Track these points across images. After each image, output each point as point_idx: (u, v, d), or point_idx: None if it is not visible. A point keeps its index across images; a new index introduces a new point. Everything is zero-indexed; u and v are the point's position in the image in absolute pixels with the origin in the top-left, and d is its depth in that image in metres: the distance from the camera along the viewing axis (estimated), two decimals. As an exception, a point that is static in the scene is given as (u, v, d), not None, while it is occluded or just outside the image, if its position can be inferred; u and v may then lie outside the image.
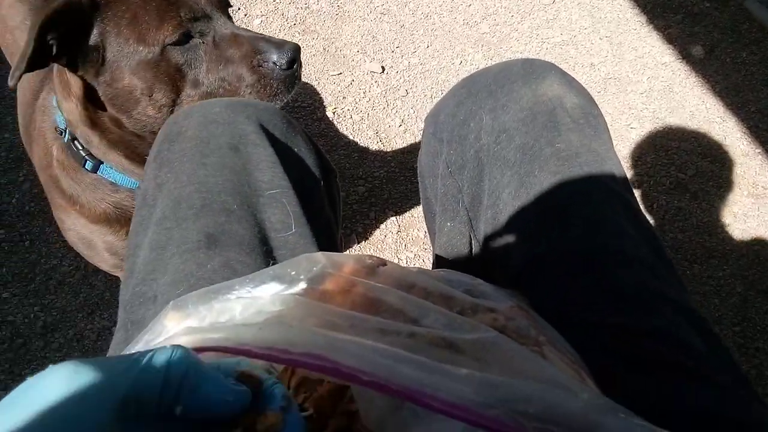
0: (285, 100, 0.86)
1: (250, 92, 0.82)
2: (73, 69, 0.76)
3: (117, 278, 1.44)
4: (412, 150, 1.77)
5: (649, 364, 0.44)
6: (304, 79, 1.92)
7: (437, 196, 0.68)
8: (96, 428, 0.25)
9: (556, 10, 2.17)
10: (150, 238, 0.54)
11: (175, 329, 0.41)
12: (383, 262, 0.47)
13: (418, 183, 1.69)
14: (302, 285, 0.43)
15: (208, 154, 0.57)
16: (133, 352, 0.40)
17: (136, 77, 0.75)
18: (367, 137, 1.81)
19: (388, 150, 1.78)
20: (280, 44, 0.83)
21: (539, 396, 0.29)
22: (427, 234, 1.62)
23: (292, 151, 0.61)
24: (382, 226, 1.62)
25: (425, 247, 1.58)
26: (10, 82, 0.67)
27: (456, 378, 0.30)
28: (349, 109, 1.87)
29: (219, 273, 0.50)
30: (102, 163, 0.87)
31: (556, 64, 0.68)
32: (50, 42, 0.69)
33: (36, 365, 1.30)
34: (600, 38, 2.09)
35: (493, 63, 1.95)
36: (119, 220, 0.93)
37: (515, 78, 0.63)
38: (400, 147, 1.79)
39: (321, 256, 0.44)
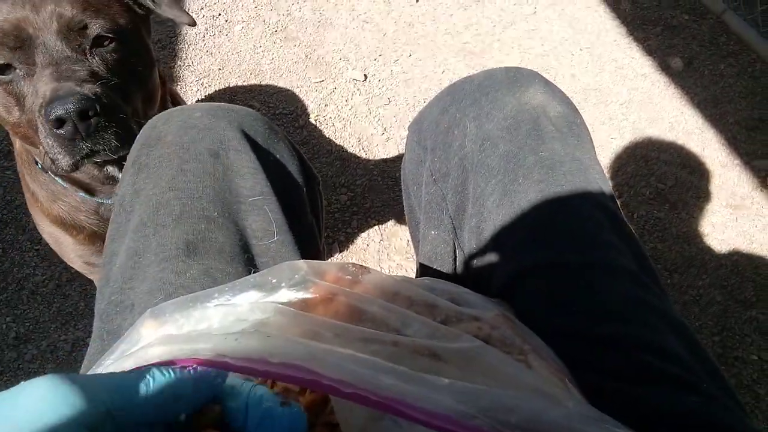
0: (67, 168, 0.70)
1: (37, 134, 0.70)
2: None
3: (92, 288, 1.40)
4: (395, 158, 1.77)
5: (636, 374, 0.43)
6: (286, 86, 1.91)
7: (421, 204, 0.67)
8: None
9: (537, 21, 2.20)
10: (127, 245, 0.52)
11: (150, 338, 0.40)
12: (366, 270, 0.46)
13: (401, 192, 1.69)
14: (283, 293, 0.42)
15: (188, 160, 0.55)
16: (110, 369, 0.39)
17: None
18: (349, 145, 1.80)
19: (370, 158, 1.78)
20: (53, 96, 0.65)
21: (522, 405, 0.28)
22: (410, 243, 1.61)
23: (274, 158, 0.60)
24: (365, 234, 1.61)
25: (408, 256, 1.57)
26: None
27: (437, 387, 0.29)
28: (331, 117, 1.86)
29: (198, 281, 0.49)
30: None
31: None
32: None
33: (9, 377, 1.26)
34: (580, 49, 2.12)
35: (476, 72, 1.97)
36: (74, 226, 0.90)
37: (499, 86, 0.63)
38: (383, 155, 1.79)
39: (303, 264, 0.43)
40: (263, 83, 1.93)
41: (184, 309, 0.41)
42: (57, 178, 0.85)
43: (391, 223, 1.65)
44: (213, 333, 0.38)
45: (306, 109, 1.88)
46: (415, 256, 0.81)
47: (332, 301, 0.42)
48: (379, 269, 1.55)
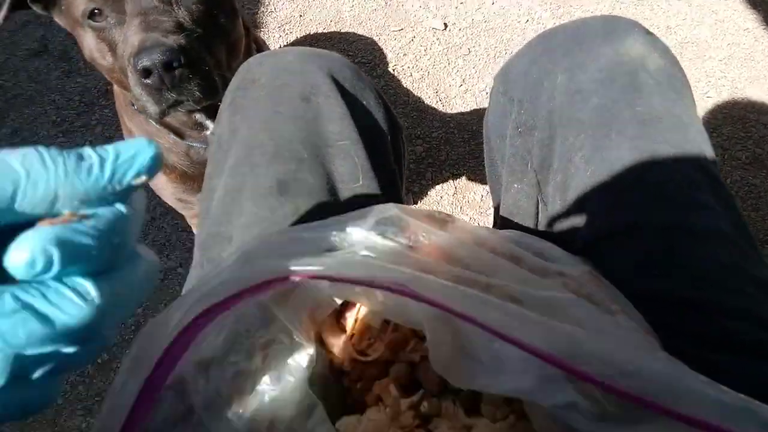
0: (154, 115, 0.73)
1: (129, 80, 0.72)
2: (50, 14, 0.82)
3: (182, 223, 1.50)
4: (473, 111, 1.74)
5: (727, 343, 0.42)
6: (365, 34, 1.90)
7: (504, 157, 0.67)
8: None
9: (634, -33, 2.04)
10: (225, 181, 0.56)
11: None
12: (453, 218, 0.48)
13: (477, 146, 1.67)
14: (377, 231, 0.43)
15: (280, 103, 0.58)
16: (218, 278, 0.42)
17: (77, 34, 0.80)
18: (426, 96, 1.78)
19: (447, 110, 1.76)
20: (141, 47, 0.67)
21: (625, 356, 0.29)
22: (484, 198, 1.61)
23: (360, 104, 0.62)
24: (439, 187, 1.62)
25: (481, 210, 1.57)
26: None
27: (546, 327, 0.30)
28: (409, 67, 1.84)
29: (289, 219, 0.52)
30: None
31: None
32: None
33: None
34: (679, -1, 1.96)
35: (562, 22, 1.88)
36: (167, 165, 0.96)
37: (594, 36, 0.60)
38: (460, 108, 1.76)
39: (393, 206, 0.44)
40: (343, 31, 1.93)
41: (287, 233, 0.44)
42: (150, 120, 0.91)
43: (465, 177, 1.64)
44: (338, 259, 0.40)
45: (384, 58, 1.87)
46: (493, 211, 0.81)
47: (422, 242, 0.43)
48: (450, 222, 1.56)
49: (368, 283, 0.34)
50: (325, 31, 1.92)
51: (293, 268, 0.34)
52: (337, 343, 0.49)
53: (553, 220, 0.59)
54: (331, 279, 0.34)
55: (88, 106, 1.73)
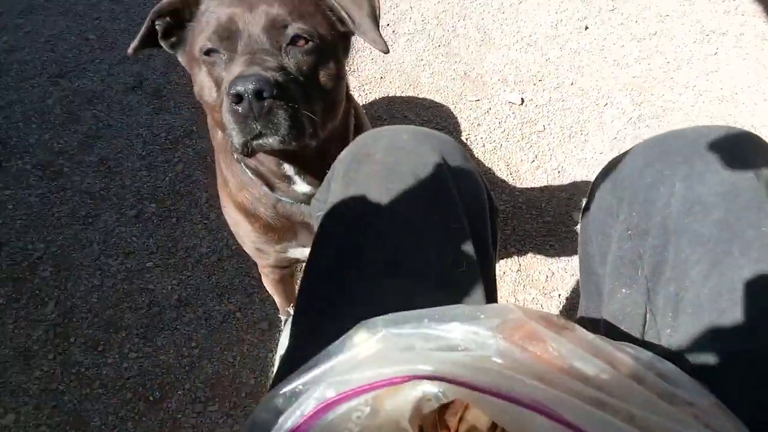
0: (238, 146, 0.74)
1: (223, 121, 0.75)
2: (174, 53, 0.89)
3: (246, 267, 1.53)
4: (543, 188, 1.73)
5: None
6: (442, 101, 1.94)
7: (605, 255, 0.65)
8: None
9: (718, 62, 2.04)
10: (333, 252, 0.57)
11: (361, 348, 0.43)
12: (572, 324, 0.46)
13: (543, 223, 1.66)
14: (491, 329, 0.43)
15: (393, 180, 0.59)
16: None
17: (193, 72, 0.84)
18: (497, 168, 1.79)
19: (517, 185, 1.76)
20: (239, 75, 0.70)
21: None
22: (548, 279, 1.57)
23: (467, 187, 0.62)
24: (502, 262, 1.60)
25: (545, 291, 1.54)
26: (128, 51, 0.85)
27: None
28: (482, 138, 1.87)
29: (398, 298, 0.52)
30: None
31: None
32: (157, 27, 0.84)
33: (167, 334, 1.42)
34: (765, 99, 1.93)
35: (642, 110, 1.87)
36: (254, 214, 0.99)
37: (717, 147, 0.59)
38: (530, 183, 1.76)
39: (514, 307, 0.44)
40: (420, 96, 1.98)
41: (393, 327, 0.44)
42: (246, 170, 0.94)
43: (530, 254, 1.62)
44: (433, 354, 0.40)
45: (458, 127, 1.90)
46: (581, 305, 0.79)
47: (541, 347, 0.42)
48: (513, 301, 1.53)
49: (507, 397, 0.33)
50: (403, 95, 1.98)
51: (431, 368, 0.34)
52: (440, 441, 0.48)
53: (661, 332, 0.57)
54: (471, 387, 0.34)
55: (173, 144, 1.82)
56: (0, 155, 1.80)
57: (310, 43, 0.78)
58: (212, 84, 0.80)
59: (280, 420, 0.37)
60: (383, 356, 0.43)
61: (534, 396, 0.32)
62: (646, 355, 0.46)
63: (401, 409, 0.43)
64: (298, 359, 0.53)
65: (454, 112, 1.93)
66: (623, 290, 0.59)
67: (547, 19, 2.18)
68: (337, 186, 0.62)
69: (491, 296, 0.61)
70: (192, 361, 1.37)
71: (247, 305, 1.47)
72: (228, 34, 0.77)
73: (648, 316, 0.58)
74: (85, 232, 1.61)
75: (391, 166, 0.61)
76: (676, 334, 0.54)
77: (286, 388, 0.38)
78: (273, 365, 1.37)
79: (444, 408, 0.50)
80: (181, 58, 0.89)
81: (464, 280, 0.58)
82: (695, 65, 2.02)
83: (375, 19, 0.83)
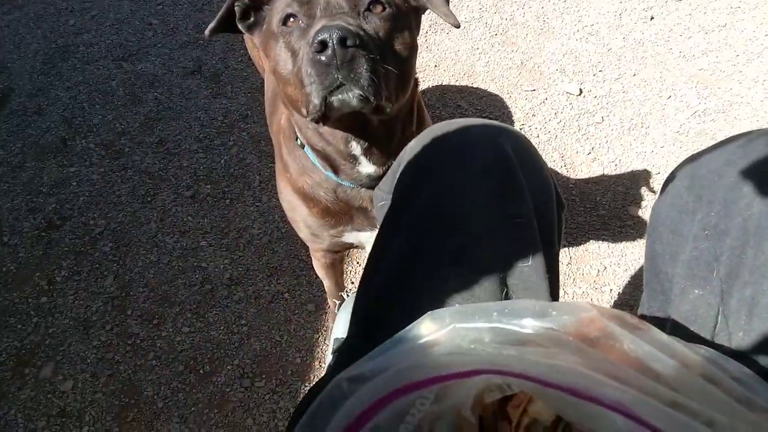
0: (318, 98, 0.73)
1: (301, 78, 0.75)
2: (251, 34, 0.90)
3: (295, 249, 1.55)
4: (598, 181, 1.68)
5: None
6: (496, 90, 1.91)
7: (676, 254, 0.63)
8: None
9: (794, 54, 1.92)
10: (400, 243, 0.56)
11: (429, 338, 0.43)
12: (645, 324, 0.45)
13: (597, 217, 1.61)
14: (564, 326, 0.42)
15: (463, 172, 0.58)
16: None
17: (269, 48, 0.85)
18: (551, 160, 1.75)
19: (571, 177, 1.71)
20: (322, 27, 0.70)
21: None
22: (600, 273, 1.53)
23: (536, 182, 0.61)
24: (554, 254, 1.56)
25: (596, 286, 1.50)
26: (206, 33, 0.87)
27: None
28: (536, 128, 1.83)
29: (460, 292, 0.51)
30: None
31: None
32: (236, 8, 0.86)
33: (218, 311, 1.45)
34: None
35: (708, 103, 1.79)
36: (313, 199, 0.99)
37: (806, 147, 0.56)
38: (585, 175, 1.71)
39: (588, 304, 0.42)
40: (474, 85, 1.95)
41: (462, 320, 0.43)
42: (309, 153, 0.95)
43: (582, 248, 1.57)
44: (505, 349, 0.39)
45: (512, 117, 1.87)
46: (642, 304, 0.76)
47: (613, 346, 0.41)
48: (562, 294, 1.50)
49: (584, 395, 0.32)
50: (457, 83, 1.95)
51: (503, 363, 0.33)
52: (500, 433, 0.47)
53: (734, 336, 0.54)
54: (545, 384, 0.33)
55: (229, 127, 1.85)
56: (65, 134, 1.88)
57: (387, 9, 0.78)
58: (289, 56, 0.80)
59: (347, 403, 0.37)
60: (453, 348, 0.42)
61: (613, 395, 0.31)
62: (722, 358, 0.44)
63: (464, 398, 0.43)
64: (360, 346, 0.53)
65: (508, 102, 1.89)
66: (696, 291, 0.57)
67: (611, 9, 2.10)
68: (405, 175, 0.62)
69: (554, 291, 0.60)
70: (241, 338, 1.40)
71: (295, 287, 1.50)
72: (307, 0, 0.78)
73: (719, 318, 0.55)
74: (143, 210, 1.67)
75: (461, 157, 0.60)
76: (748, 337, 0.52)
77: (354, 373, 0.38)
78: (319, 346, 1.39)
79: (506, 399, 0.49)
80: (257, 39, 0.90)
81: (529, 273, 0.56)
82: (766, 59, 1.91)
83: None
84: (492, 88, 1.93)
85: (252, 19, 0.88)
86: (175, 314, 1.46)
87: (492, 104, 1.90)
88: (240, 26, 0.88)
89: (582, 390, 0.32)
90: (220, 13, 0.85)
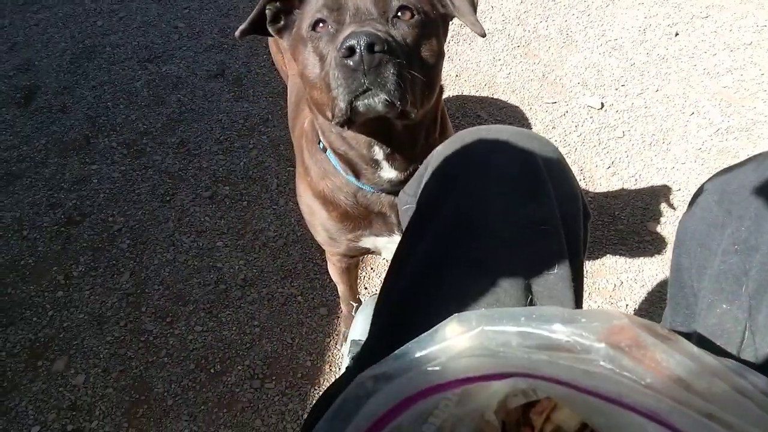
0: (344, 102, 0.73)
1: (328, 82, 0.76)
2: (281, 37, 0.91)
3: (310, 253, 1.55)
4: (617, 196, 1.67)
5: None
6: (516, 102, 1.90)
7: (703, 268, 0.62)
8: None
9: (821, 75, 1.90)
10: (426, 248, 0.56)
11: (455, 341, 0.42)
12: (676, 338, 0.44)
13: (615, 231, 1.59)
14: (595, 333, 0.41)
15: (491, 178, 0.58)
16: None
17: (297, 52, 0.86)
18: (570, 173, 1.74)
19: (590, 190, 1.70)
20: (350, 33, 0.71)
21: None
22: (616, 288, 1.51)
23: (564, 191, 0.60)
24: (571, 268, 1.55)
25: (612, 300, 1.48)
26: (236, 33, 0.88)
27: None
28: (556, 140, 1.82)
29: (485, 297, 0.51)
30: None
31: None
32: (267, 11, 0.87)
33: (231, 311, 1.46)
34: None
35: (732, 121, 1.77)
36: (332, 203, 0.99)
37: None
38: (604, 189, 1.69)
39: (619, 312, 0.42)
40: (494, 96, 1.95)
41: (489, 323, 0.43)
42: (331, 157, 0.95)
43: (599, 262, 1.56)
44: (535, 354, 0.38)
45: (532, 129, 1.86)
46: (666, 318, 0.75)
47: (644, 356, 0.40)
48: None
49: (618, 403, 0.32)
50: (478, 94, 1.95)
51: (539, 371, 0.33)
52: (522, 441, 0.46)
53: (760, 352, 0.53)
54: (581, 391, 0.32)
55: (249, 131, 1.87)
56: (89, 132, 1.91)
57: (416, 16, 0.79)
58: (317, 60, 0.81)
59: (371, 402, 0.36)
60: (481, 351, 0.42)
61: (649, 404, 0.30)
62: (751, 372, 0.43)
63: (488, 401, 0.42)
64: (382, 347, 0.53)
65: (528, 114, 1.89)
66: (723, 306, 0.56)
67: (635, 24, 2.09)
68: (432, 180, 0.62)
69: (579, 300, 0.59)
70: (253, 339, 1.40)
71: (309, 290, 1.49)
72: (337, 6, 0.79)
73: (746, 333, 0.54)
74: (162, 209, 1.68)
75: (489, 164, 0.60)
76: None
77: (379, 371, 0.37)
78: (330, 350, 1.39)
79: (529, 405, 0.48)
80: (286, 42, 0.91)
81: (555, 281, 0.56)
82: (794, 78, 1.89)
83: (473, 3, 0.85)
84: (512, 100, 1.92)
85: (282, 22, 0.89)
86: (188, 313, 1.46)
87: (512, 115, 1.89)
88: (270, 29, 0.89)
89: (615, 397, 0.31)
90: (252, 15, 0.86)
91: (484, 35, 0.86)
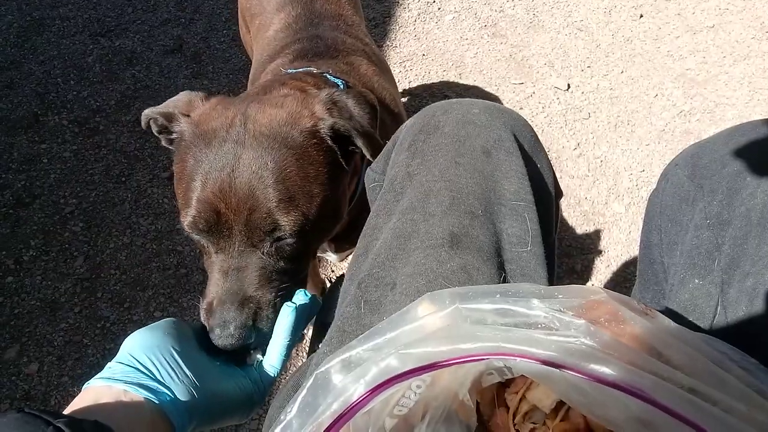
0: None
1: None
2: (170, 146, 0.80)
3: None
4: (584, 177, 1.67)
5: None
6: (484, 82, 1.89)
7: (673, 243, 0.61)
8: None
9: (778, 59, 1.94)
10: (394, 224, 0.53)
11: (427, 320, 0.40)
12: (653, 312, 0.43)
13: (581, 213, 1.60)
14: (573, 309, 0.40)
15: (462, 154, 0.55)
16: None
17: (179, 161, 0.74)
18: (537, 154, 1.74)
19: (557, 171, 1.70)
20: (215, 323, 0.63)
21: None
22: (584, 268, 1.53)
23: (536, 167, 0.58)
24: (538, 248, 1.55)
25: (581, 281, 1.49)
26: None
27: None
28: (523, 121, 1.81)
29: (456, 274, 0.49)
30: None
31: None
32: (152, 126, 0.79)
33: (192, 296, 1.41)
34: (826, 99, 1.84)
35: (694, 102, 1.79)
36: None
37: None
38: (571, 171, 1.70)
39: (599, 289, 0.40)
40: (462, 75, 1.93)
41: (462, 300, 0.41)
42: None
43: (566, 243, 1.57)
44: (513, 332, 0.37)
45: (499, 109, 1.85)
46: (635, 292, 0.75)
47: (623, 331, 0.39)
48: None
49: (599, 379, 0.30)
50: (444, 72, 1.93)
51: (515, 350, 0.31)
52: (497, 421, 0.45)
53: (730, 326, 0.53)
54: (560, 367, 0.30)
55: (209, 108, 1.80)
56: (38, 109, 1.81)
57: (297, 238, 0.67)
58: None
59: (339, 390, 0.34)
60: (453, 330, 0.39)
61: (631, 379, 0.28)
62: (727, 346, 0.43)
63: (461, 381, 0.40)
64: (350, 329, 0.50)
65: (495, 94, 1.87)
66: (696, 281, 0.55)
67: (601, 5, 2.09)
68: (401, 156, 0.59)
69: (551, 278, 0.57)
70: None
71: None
72: (208, 228, 0.66)
73: (719, 308, 0.54)
74: (117, 191, 1.61)
75: (460, 140, 0.57)
76: (748, 328, 0.50)
77: (348, 354, 0.35)
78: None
79: (502, 386, 0.47)
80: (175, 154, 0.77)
81: (528, 259, 0.54)
82: (752, 61, 1.93)
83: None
84: (479, 79, 1.91)
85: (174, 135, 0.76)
86: (147, 298, 1.41)
87: (479, 95, 1.87)
88: (162, 140, 0.78)
89: (597, 374, 0.29)
90: (142, 124, 0.78)
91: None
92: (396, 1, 2.14)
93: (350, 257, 0.97)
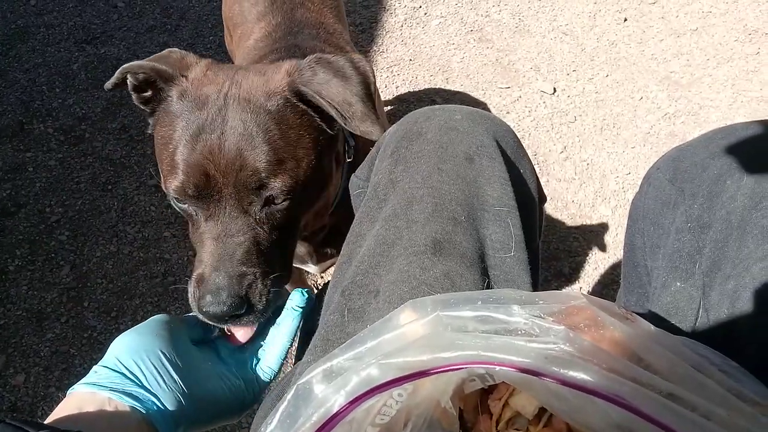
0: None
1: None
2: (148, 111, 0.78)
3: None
4: (569, 180, 1.69)
5: None
6: (470, 86, 1.90)
7: (655, 247, 0.62)
8: None
9: (759, 62, 1.96)
10: (377, 231, 0.54)
11: (409, 327, 0.40)
12: (633, 317, 0.43)
13: (568, 216, 1.61)
14: (553, 315, 0.40)
15: (445, 160, 0.56)
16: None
17: (159, 126, 0.73)
18: (524, 157, 1.75)
19: (543, 175, 1.71)
20: (206, 290, 0.64)
21: None
22: (571, 271, 1.53)
23: (519, 173, 0.59)
24: (526, 251, 1.56)
25: (569, 284, 1.50)
26: (105, 87, 0.75)
27: None
28: (510, 125, 1.82)
29: (439, 281, 0.49)
30: None
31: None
32: (128, 80, 0.73)
33: (181, 304, 1.40)
34: (807, 101, 1.86)
35: (679, 105, 1.81)
36: None
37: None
38: (558, 174, 1.71)
39: (579, 294, 0.40)
40: (449, 80, 1.94)
41: (443, 307, 0.41)
42: None
43: (554, 246, 1.57)
44: (493, 339, 0.37)
45: (486, 113, 1.85)
46: (620, 296, 0.75)
47: (603, 336, 0.39)
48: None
49: (578, 387, 0.30)
50: (431, 77, 1.93)
51: (495, 358, 0.31)
52: (481, 428, 0.45)
53: (712, 329, 0.53)
54: (539, 375, 0.30)
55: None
56: (23, 117, 1.79)
57: (287, 201, 0.68)
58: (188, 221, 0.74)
59: (320, 401, 0.34)
60: (435, 339, 0.39)
61: (610, 387, 0.29)
62: (708, 350, 0.43)
63: (442, 388, 0.40)
64: (333, 337, 0.50)
65: (481, 98, 1.88)
66: (678, 284, 0.56)
67: (585, 9, 2.11)
68: (384, 163, 0.59)
69: (535, 283, 0.58)
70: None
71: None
72: (197, 193, 0.66)
73: (700, 311, 0.54)
74: (103, 199, 1.60)
75: (443, 146, 0.58)
76: (729, 330, 0.51)
77: (329, 363, 0.35)
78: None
79: (485, 392, 0.47)
80: (151, 121, 0.76)
81: (512, 264, 0.54)
82: (736, 64, 1.95)
83: (368, 98, 0.70)
84: (466, 84, 1.91)
85: (149, 92, 0.73)
86: (135, 307, 1.40)
87: (465, 100, 1.88)
88: (134, 99, 0.75)
89: (577, 382, 0.30)
90: (111, 80, 0.73)
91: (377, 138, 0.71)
92: (382, 7, 2.15)
93: (331, 270, 0.98)
